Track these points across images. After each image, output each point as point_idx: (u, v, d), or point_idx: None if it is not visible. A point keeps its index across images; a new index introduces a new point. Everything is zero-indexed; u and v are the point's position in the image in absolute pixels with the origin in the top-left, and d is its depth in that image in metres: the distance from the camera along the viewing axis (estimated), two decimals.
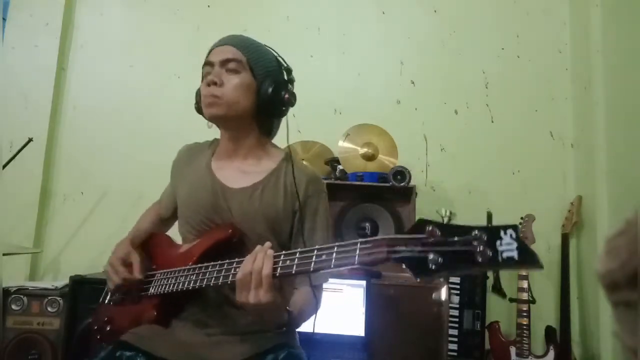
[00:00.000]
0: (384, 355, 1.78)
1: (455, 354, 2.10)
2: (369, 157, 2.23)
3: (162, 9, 2.66)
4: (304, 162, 2.31)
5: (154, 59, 2.61)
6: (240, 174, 1.14)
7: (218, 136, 1.21)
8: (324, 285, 1.16)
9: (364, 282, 1.78)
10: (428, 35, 2.59)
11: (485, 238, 0.64)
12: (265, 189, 1.11)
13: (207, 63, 1.10)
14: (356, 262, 0.77)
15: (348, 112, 2.51)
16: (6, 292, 1.97)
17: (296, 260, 0.85)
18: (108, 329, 1.16)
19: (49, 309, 1.98)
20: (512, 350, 2.05)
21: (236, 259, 0.94)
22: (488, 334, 2.13)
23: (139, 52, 2.63)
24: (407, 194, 2.12)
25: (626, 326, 0.40)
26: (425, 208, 2.25)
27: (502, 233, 0.63)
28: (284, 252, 0.89)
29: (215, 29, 2.61)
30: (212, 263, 0.99)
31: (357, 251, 0.77)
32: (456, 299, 2.17)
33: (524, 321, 2.05)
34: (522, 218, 2.17)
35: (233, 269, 0.94)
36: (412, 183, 2.06)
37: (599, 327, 2.11)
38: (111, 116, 2.57)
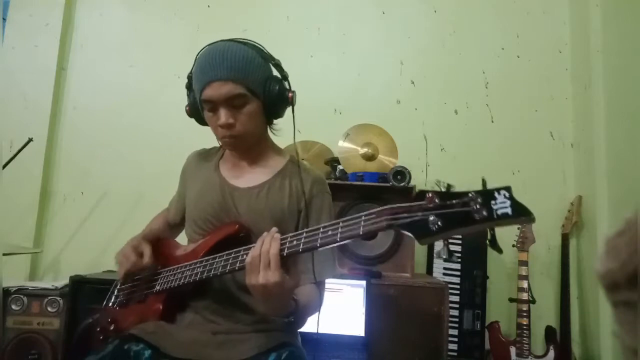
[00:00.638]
0: (384, 355, 1.78)
1: (455, 354, 2.10)
2: (369, 157, 2.23)
3: (162, 9, 2.66)
4: (305, 162, 2.31)
5: (154, 59, 2.61)
6: (247, 174, 1.18)
7: None
8: (325, 285, 1.17)
9: (364, 282, 1.78)
10: (428, 35, 2.59)
11: (481, 199, 0.69)
12: (272, 189, 1.14)
13: (208, 100, 1.06)
14: (361, 232, 0.80)
15: (348, 112, 2.51)
16: (6, 292, 1.97)
17: (303, 238, 0.87)
18: (112, 328, 1.17)
19: (49, 309, 1.97)
20: (512, 350, 2.05)
21: (243, 247, 0.96)
22: (488, 334, 2.13)
23: (139, 52, 2.63)
24: (407, 194, 2.12)
25: (626, 326, 0.40)
26: None
27: (496, 194, 0.68)
28: (290, 234, 0.91)
29: (215, 29, 2.63)
30: (218, 254, 1.01)
31: (362, 222, 0.80)
32: (456, 298, 2.17)
33: (524, 321, 2.05)
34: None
35: (241, 256, 0.96)
36: (412, 183, 2.06)
37: (599, 327, 2.11)
38: (111, 116, 2.57)
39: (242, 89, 1.04)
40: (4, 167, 2.04)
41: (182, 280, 1.06)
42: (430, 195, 0.73)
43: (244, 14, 2.62)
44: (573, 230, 2.27)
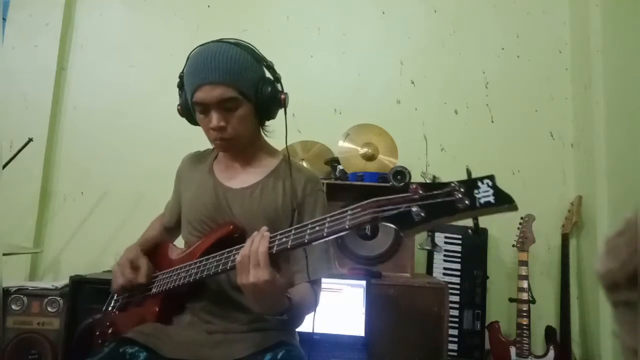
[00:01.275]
0: (384, 355, 1.78)
1: (455, 354, 2.10)
2: (369, 157, 2.23)
3: (162, 9, 2.67)
4: (304, 162, 2.31)
5: (154, 59, 2.61)
6: (240, 175, 1.18)
7: None
8: (324, 286, 1.17)
9: (364, 282, 1.78)
10: (428, 35, 2.59)
11: (464, 188, 0.69)
12: (265, 189, 1.14)
13: (199, 103, 1.05)
14: (347, 227, 0.80)
15: (348, 112, 2.51)
16: (6, 292, 1.96)
17: (291, 235, 0.88)
18: (110, 331, 1.18)
19: (49, 309, 1.97)
20: (512, 350, 2.05)
21: (235, 247, 0.97)
22: (488, 334, 2.13)
23: (139, 52, 2.63)
24: None
25: (626, 326, 0.40)
26: None
27: (479, 183, 0.68)
28: (279, 231, 0.91)
29: (215, 29, 2.61)
30: (211, 255, 1.02)
31: (348, 216, 0.81)
32: (456, 298, 2.17)
33: (524, 321, 2.05)
34: (522, 218, 2.18)
35: (232, 256, 0.96)
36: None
37: (599, 327, 2.11)
38: (111, 116, 2.57)
39: (233, 92, 1.04)
40: (4, 167, 2.04)
41: (177, 282, 1.07)
42: (414, 186, 0.73)
43: (244, 14, 2.62)
44: (573, 230, 2.27)
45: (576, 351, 2.17)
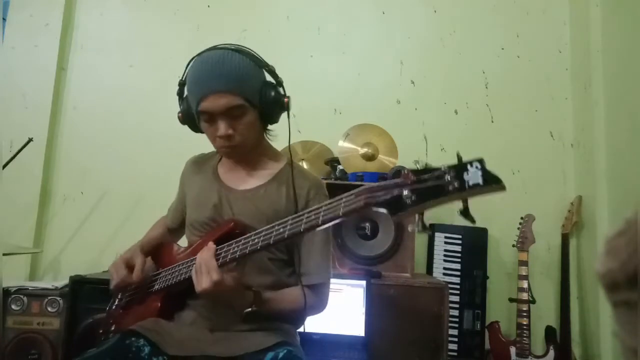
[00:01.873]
0: (384, 355, 1.78)
1: (455, 354, 2.10)
2: (369, 157, 2.23)
3: (162, 9, 2.66)
4: (304, 162, 2.31)
5: (154, 59, 2.61)
6: (244, 177, 1.19)
7: None
8: (327, 290, 1.18)
9: (364, 282, 1.77)
10: (428, 36, 2.59)
11: (454, 172, 0.71)
12: (268, 192, 1.15)
13: (205, 112, 1.05)
14: (341, 214, 0.82)
15: (348, 112, 2.51)
16: (6, 292, 1.96)
17: (288, 225, 0.91)
18: (113, 329, 1.19)
19: (49, 309, 1.97)
20: (512, 350, 2.05)
21: (234, 240, 1.00)
22: (488, 334, 2.13)
23: (139, 52, 2.63)
24: None
25: (626, 326, 0.40)
26: None
27: (468, 166, 0.70)
28: (276, 222, 0.95)
29: (215, 29, 2.64)
30: None
31: (342, 203, 0.83)
32: (456, 298, 2.17)
33: (524, 321, 2.05)
34: (522, 218, 2.18)
35: (232, 250, 0.99)
36: None
37: (599, 327, 2.11)
38: (111, 116, 2.57)
39: (240, 100, 1.04)
40: (4, 167, 2.04)
41: (178, 278, 1.08)
42: (405, 172, 0.75)
43: (244, 14, 2.62)
44: (573, 230, 2.27)
45: (576, 351, 2.17)
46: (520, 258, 2.12)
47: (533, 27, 2.55)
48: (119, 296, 1.28)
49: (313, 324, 1.70)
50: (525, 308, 2.06)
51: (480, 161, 0.70)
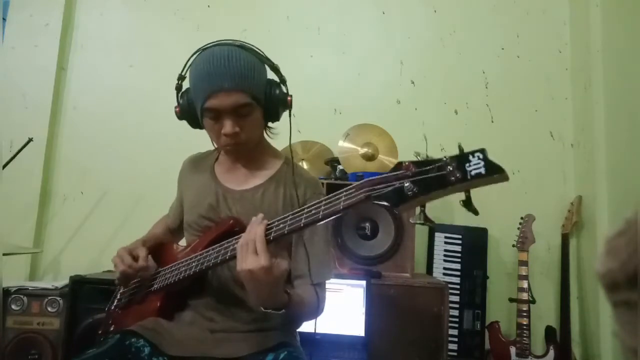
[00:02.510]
0: (384, 355, 1.78)
1: (455, 354, 2.10)
2: (369, 157, 2.23)
3: (162, 9, 2.66)
4: (304, 162, 2.31)
5: (154, 59, 2.61)
6: (242, 177, 1.18)
7: None
8: (325, 290, 1.16)
9: (364, 282, 1.78)
10: (428, 36, 2.59)
11: (455, 162, 0.69)
12: (266, 192, 1.14)
13: (212, 109, 1.03)
14: (342, 207, 0.81)
15: (348, 112, 2.51)
16: (6, 292, 1.96)
17: (288, 221, 0.89)
18: (112, 329, 1.19)
19: (49, 309, 1.97)
20: (512, 350, 2.05)
21: (234, 237, 0.97)
22: (488, 334, 2.13)
23: (139, 52, 2.63)
24: None
25: (626, 326, 0.40)
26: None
27: (470, 157, 0.69)
28: (277, 218, 0.92)
29: (215, 29, 2.63)
30: (210, 247, 1.02)
31: (343, 197, 0.81)
32: (456, 298, 2.17)
33: (524, 321, 2.05)
34: (522, 218, 2.18)
35: (231, 246, 0.96)
36: None
37: (599, 327, 2.11)
38: (111, 116, 2.57)
39: (248, 98, 1.03)
40: (4, 167, 2.04)
41: (178, 276, 1.07)
42: (407, 164, 0.74)
43: (244, 14, 2.62)
44: (573, 230, 2.27)
45: (576, 351, 2.17)
46: (520, 258, 2.12)
47: (533, 27, 2.55)
48: (119, 296, 1.28)
49: (313, 324, 1.70)
50: (525, 308, 2.06)
51: (482, 151, 0.69)
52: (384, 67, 2.57)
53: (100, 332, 1.22)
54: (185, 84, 1.13)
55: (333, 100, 2.54)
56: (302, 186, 1.15)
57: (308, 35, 2.60)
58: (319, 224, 1.13)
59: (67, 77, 2.62)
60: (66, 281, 1.98)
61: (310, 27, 2.61)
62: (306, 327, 1.13)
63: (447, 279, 2.18)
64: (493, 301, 2.28)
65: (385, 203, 0.74)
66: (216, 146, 1.15)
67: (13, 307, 1.97)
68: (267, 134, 1.19)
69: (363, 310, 1.75)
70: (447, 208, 2.40)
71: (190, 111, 1.10)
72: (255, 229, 0.90)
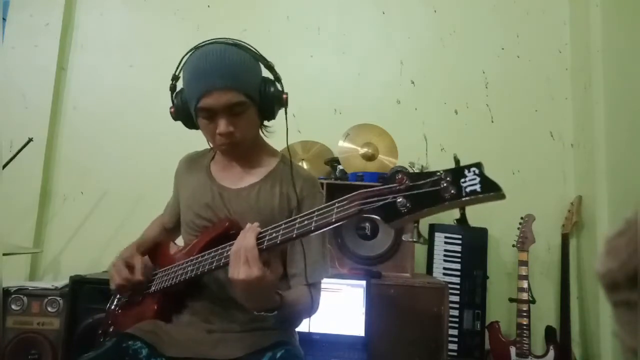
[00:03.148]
0: (384, 355, 1.78)
1: (455, 354, 2.10)
2: (369, 157, 2.23)
3: (162, 9, 2.66)
4: (304, 162, 2.31)
5: (154, 59, 2.61)
6: (238, 175, 1.17)
7: None
8: (324, 286, 1.16)
9: (363, 282, 1.78)
10: (428, 35, 2.59)
11: (450, 177, 0.66)
12: (262, 190, 1.13)
13: (206, 109, 1.02)
14: (334, 220, 0.79)
15: (348, 112, 2.51)
16: (6, 292, 1.96)
17: (281, 230, 0.88)
18: (111, 330, 1.19)
19: (49, 309, 1.97)
20: (512, 350, 2.05)
21: (229, 243, 0.95)
22: (488, 334, 2.13)
23: (139, 52, 2.63)
24: None
25: (626, 326, 0.40)
26: None
27: (465, 171, 0.66)
28: (270, 226, 0.90)
29: (215, 29, 2.61)
30: (206, 251, 1.02)
31: (335, 209, 0.80)
32: (456, 298, 2.17)
33: (524, 321, 2.05)
34: (522, 218, 2.18)
35: (226, 253, 0.96)
36: None
37: (599, 327, 2.11)
38: (111, 116, 2.57)
39: (242, 96, 1.02)
40: (4, 167, 2.04)
41: (174, 280, 1.07)
42: (400, 176, 0.72)
43: (244, 14, 2.62)
44: (573, 230, 2.27)
45: (576, 351, 2.17)
46: (520, 258, 2.12)
47: (533, 27, 2.55)
48: (118, 296, 1.28)
49: (313, 324, 1.70)
50: (525, 308, 2.06)
51: (478, 165, 0.65)
52: (384, 67, 2.57)
53: (100, 332, 1.23)
54: (180, 84, 1.12)
55: (333, 100, 2.54)
56: (300, 183, 1.14)
57: (308, 35, 2.61)
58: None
59: (67, 77, 2.62)
60: (66, 281, 1.98)
61: (310, 27, 2.61)
62: (303, 326, 1.12)
63: (447, 279, 2.18)
64: (493, 301, 2.28)
65: (378, 217, 0.72)
66: (211, 146, 1.14)
67: (13, 307, 1.97)
68: (262, 132, 1.18)
69: (363, 310, 1.75)
70: None
71: (185, 111, 1.09)
72: (248, 238, 0.89)
